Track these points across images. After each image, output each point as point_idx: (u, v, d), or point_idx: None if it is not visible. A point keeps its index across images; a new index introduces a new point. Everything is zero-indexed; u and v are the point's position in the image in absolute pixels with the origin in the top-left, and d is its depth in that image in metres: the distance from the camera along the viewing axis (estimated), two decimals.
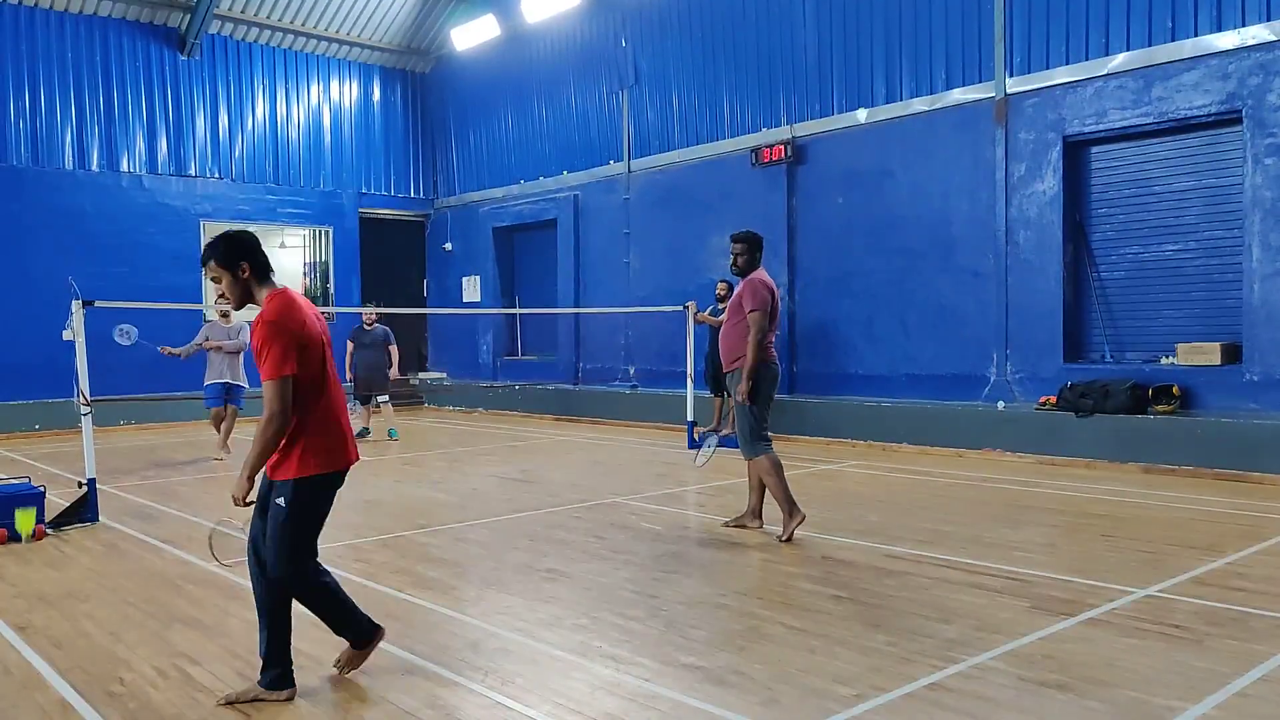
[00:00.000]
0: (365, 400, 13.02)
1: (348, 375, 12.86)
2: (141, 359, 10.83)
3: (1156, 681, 3.81)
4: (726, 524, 6.93)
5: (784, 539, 6.35)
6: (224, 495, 8.85)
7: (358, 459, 3.90)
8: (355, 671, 4.06)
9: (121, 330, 9.77)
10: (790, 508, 6.42)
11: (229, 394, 11.21)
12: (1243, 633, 4.38)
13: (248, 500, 3.75)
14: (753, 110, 13.48)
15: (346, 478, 3.89)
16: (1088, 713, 3.53)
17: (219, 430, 11.32)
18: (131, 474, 10.15)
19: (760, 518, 6.78)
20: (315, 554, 3.90)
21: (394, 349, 13.10)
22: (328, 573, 3.94)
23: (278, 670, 3.80)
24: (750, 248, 6.77)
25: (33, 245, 14.62)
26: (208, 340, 11.07)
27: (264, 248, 3.91)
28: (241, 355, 11.20)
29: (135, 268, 15.27)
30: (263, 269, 3.80)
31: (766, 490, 6.68)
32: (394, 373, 13.21)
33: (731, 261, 6.84)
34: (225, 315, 11.18)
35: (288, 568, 3.76)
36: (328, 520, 3.88)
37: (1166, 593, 5.07)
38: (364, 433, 12.96)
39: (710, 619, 4.76)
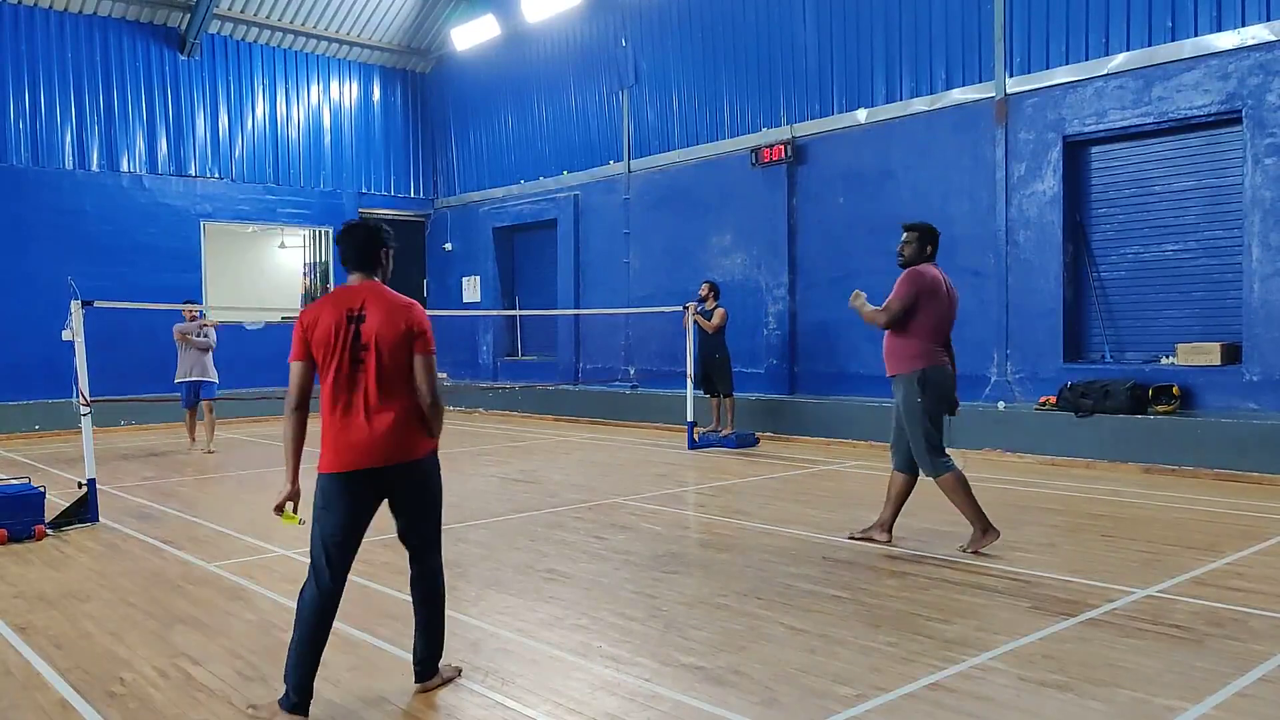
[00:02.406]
0: None
1: None
2: (141, 359, 10.87)
3: (1156, 681, 3.81)
4: (852, 536, 6.44)
5: (968, 549, 5.95)
6: (226, 495, 8.87)
7: (371, 464, 3.59)
8: (356, 671, 4.06)
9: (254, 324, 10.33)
10: (984, 525, 5.93)
11: (200, 392, 11.48)
12: (1243, 633, 4.38)
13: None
14: (753, 110, 13.48)
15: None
16: (1088, 713, 3.53)
17: (191, 430, 11.82)
18: (131, 474, 10.15)
19: (890, 532, 6.28)
20: (333, 568, 3.60)
21: None
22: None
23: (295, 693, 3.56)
24: (920, 238, 6.12)
25: (33, 245, 14.62)
26: (183, 333, 11.30)
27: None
28: (210, 353, 11.45)
29: (135, 268, 15.28)
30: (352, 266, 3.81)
31: (901, 506, 6.23)
32: None
33: (898, 251, 6.22)
34: (193, 316, 11.40)
35: (310, 574, 3.60)
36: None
37: (1166, 593, 5.07)
38: None
39: (710, 619, 4.76)
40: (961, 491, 5.94)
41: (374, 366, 3.61)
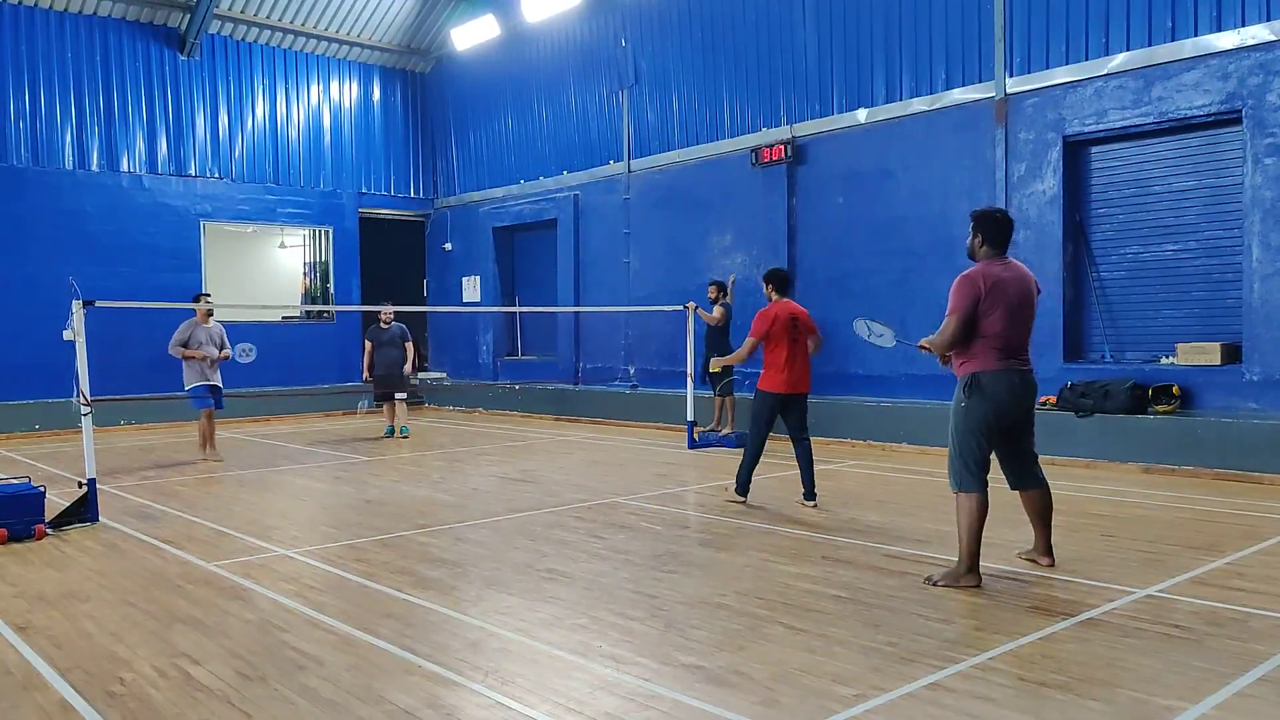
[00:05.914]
0: (384, 399, 13.36)
1: (365, 375, 13.16)
2: (141, 359, 10.82)
3: (1156, 681, 3.81)
4: (1019, 555, 5.89)
5: (934, 581, 5.29)
6: (226, 495, 8.87)
7: (788, 390, 7.55)
8: (356, 671, 4.07)
9: (244, 350, 10.15)
10: (970, 566, 5.23)
11: (215, 398, 10.93)
12: (1243, 633, 4.38)
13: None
14: (753, 110, 13.48)
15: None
16: (1088, 713, 3.53)
17: (205, 433, 11.03)
18: (131, 474, 10.15)
19: (1050, 555, 5.69)
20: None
21: (410, 346, 13.32)
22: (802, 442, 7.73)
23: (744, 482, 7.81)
24: (976, 227, 5.30)
25: (33, 245, 14.62)
26: (196, 348, 10.67)
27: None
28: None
29: (135, 268, 15.29)
30: None
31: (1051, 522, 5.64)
32: (408, 369, 13.37)
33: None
34: (209, 314, 10.84)
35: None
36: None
37: (1166, 593, 5.07)
38: (390, 432, 13.36)
39: (710, 619, 4.76)
40: (973, 520, 5.27)
41: (802, 342, 7.59)
